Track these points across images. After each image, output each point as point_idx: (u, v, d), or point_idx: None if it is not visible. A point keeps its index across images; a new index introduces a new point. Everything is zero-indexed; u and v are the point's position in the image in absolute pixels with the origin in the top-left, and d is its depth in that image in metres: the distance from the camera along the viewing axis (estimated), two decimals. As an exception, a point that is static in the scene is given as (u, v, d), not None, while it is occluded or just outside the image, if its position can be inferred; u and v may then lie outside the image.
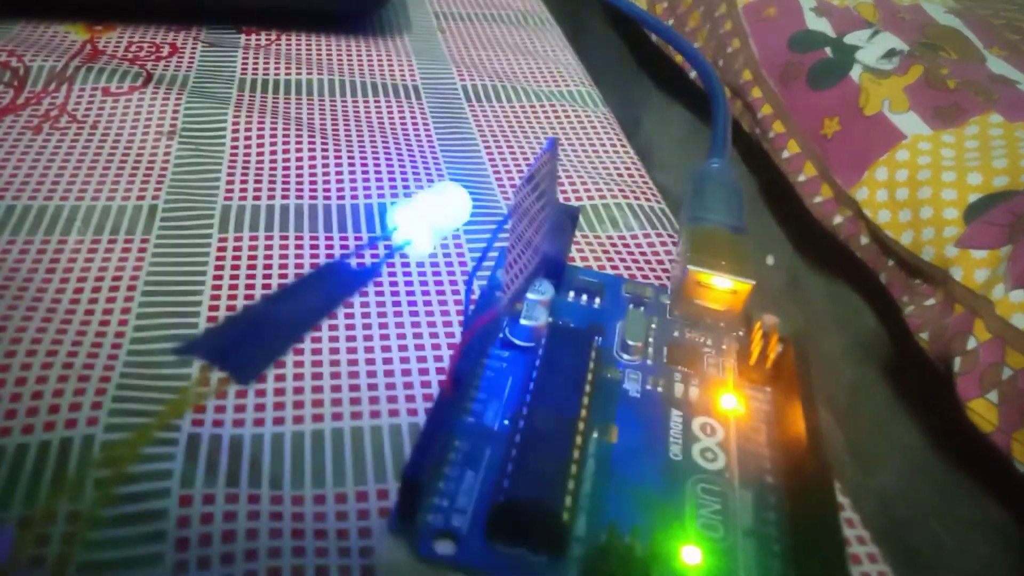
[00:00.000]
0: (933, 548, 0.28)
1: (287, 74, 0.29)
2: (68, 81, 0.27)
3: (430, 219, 0.12)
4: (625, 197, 0.25)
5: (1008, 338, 0.23)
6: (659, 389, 0.16)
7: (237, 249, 0.21)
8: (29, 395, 0.16)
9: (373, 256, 0.21)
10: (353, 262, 0.12)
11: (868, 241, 0.31)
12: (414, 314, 0.19)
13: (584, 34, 0.60)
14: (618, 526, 0.13)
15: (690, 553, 0.13)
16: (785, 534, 0.14)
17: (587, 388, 0.15)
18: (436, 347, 0.19)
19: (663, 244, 0.23)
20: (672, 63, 0.45)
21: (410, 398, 0.17)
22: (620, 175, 0.26)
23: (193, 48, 0.30)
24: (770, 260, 0.41)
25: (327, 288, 0.11)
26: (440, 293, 0.20)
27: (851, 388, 0.34)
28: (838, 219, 0.32)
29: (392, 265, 0.20)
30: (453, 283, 0.20)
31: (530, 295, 0.17)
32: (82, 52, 0.29)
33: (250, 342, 0.10)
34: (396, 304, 0.20)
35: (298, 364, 0.18)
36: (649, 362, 0.17)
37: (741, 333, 0.18)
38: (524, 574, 0.12)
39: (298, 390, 0.17)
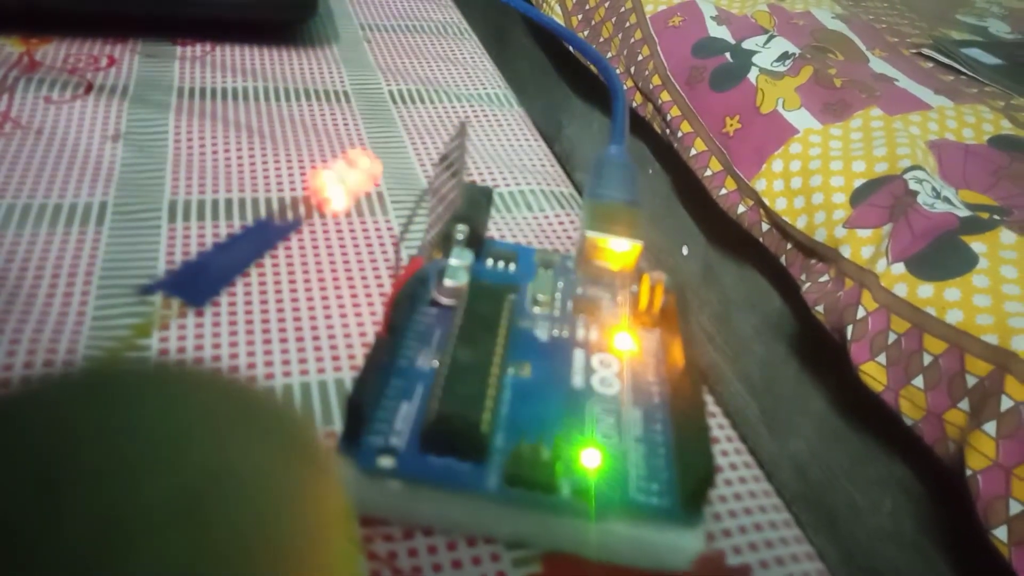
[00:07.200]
0: (848, 508, 0.31)
1: (223, 82, 0.31)
2: (9, 91, 0.28)
3: (345, 181, 0.14)
4: (538, 184, 0.28)
5: (892, 306, 0.27)
6: (564, 334, 0.19)
7: (186, 236, 0.23)
8: None
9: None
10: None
11: (768, 227, 0.35)
12: (350, 278, 0.22)
13: (507, 47, 0.63)
14: (529, 436, 0.16)
15: (589, 455, 0.16)
16: (668, 440, 0.17)
17: (502, 331, 0.18)
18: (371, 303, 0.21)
19: (572, 222, 0.26)
20: (589, 71, 0.48)
21: (351, 356, 0.20)
22: (533, 165, 0.29)
23: (131, 60, 0.32)
24: (685, 250, 0.44)
25: (257, 239, 0.13)
26: (373, 263, 0.23)
27: (763, 363, 0.37)
28: (741, 208, 0.35)
29: (330, 242, 0.23)
30: (384, 254, 0.23)
31: (452, 261, 0.19)
32: (20, 63, 0.30)
33: (199, 279, 0.12)
34: (340, 273, 0.22)
35: (265, 330, 0.20)
36: (556, 313, 0.20)
37: (635, 288, 0.21)
38: (453, 479, 0.15)
39: (251, 354, 0.19)
